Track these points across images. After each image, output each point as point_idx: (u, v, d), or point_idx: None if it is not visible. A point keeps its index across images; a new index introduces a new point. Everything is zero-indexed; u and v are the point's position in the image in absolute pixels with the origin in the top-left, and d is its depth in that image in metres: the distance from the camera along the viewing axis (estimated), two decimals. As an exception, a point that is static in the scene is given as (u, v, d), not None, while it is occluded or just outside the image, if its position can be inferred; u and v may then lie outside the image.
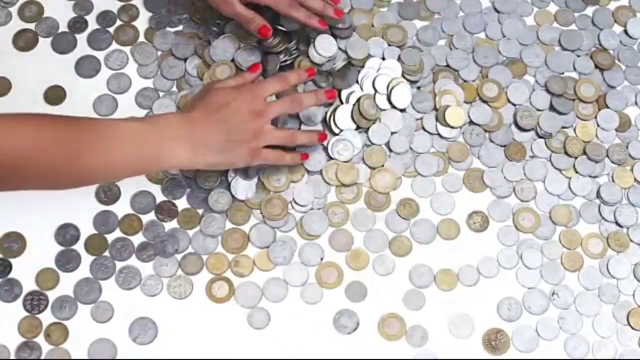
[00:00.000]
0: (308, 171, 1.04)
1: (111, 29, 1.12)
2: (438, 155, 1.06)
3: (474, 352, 0.97)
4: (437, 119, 1.07)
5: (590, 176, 1.06)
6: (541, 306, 0.99)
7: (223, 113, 0.93)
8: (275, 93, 0.99)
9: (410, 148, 1.06)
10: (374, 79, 1.07)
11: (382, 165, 1.05)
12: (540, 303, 1.00)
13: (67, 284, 0.99)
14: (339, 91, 1.07)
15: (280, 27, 1.06)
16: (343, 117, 1.05)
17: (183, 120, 0.92)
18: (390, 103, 1.06)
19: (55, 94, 1.08)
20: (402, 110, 1.07)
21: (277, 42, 1.06)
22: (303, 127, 1.06)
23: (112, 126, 0.89)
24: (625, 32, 1.14)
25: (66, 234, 1.01)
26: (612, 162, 1.07)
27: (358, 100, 1.05)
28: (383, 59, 1.10)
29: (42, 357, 0.96)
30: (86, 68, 1.10)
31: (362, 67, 1.09)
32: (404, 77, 1.08)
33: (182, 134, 0.91)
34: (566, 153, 1.07)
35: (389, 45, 1.11)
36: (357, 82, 1.08)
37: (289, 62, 1.08)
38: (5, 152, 0.80)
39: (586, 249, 1.02)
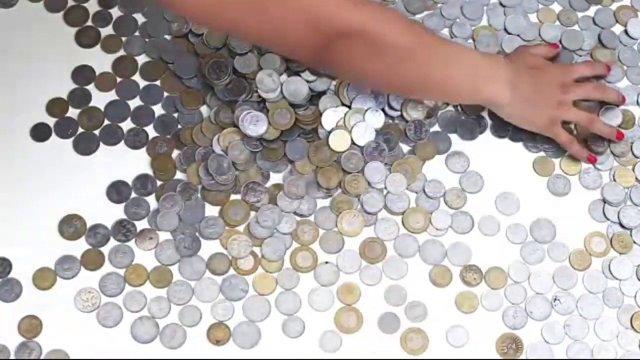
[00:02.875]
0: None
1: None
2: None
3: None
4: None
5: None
6: (543, 312, 0.99)
7: (534, 72, 1.03)
8: (581, 77, 1.06)
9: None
10: None
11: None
12: (542, 309, 0.99)
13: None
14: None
15: None
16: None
17: (505, 65, 1.00)
18: None
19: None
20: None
21: None
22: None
23: (457, 49, 0.99)
24: (626, 32, 1.14)
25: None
26: (614, 154, 1.07)
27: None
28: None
29: (42, 357, 0.95)
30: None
31: None
32: None
33: (502, 73, 1.00)
34: (568, 153, 1.07)
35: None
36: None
37: None
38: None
39: (589, 248, 1.02)
